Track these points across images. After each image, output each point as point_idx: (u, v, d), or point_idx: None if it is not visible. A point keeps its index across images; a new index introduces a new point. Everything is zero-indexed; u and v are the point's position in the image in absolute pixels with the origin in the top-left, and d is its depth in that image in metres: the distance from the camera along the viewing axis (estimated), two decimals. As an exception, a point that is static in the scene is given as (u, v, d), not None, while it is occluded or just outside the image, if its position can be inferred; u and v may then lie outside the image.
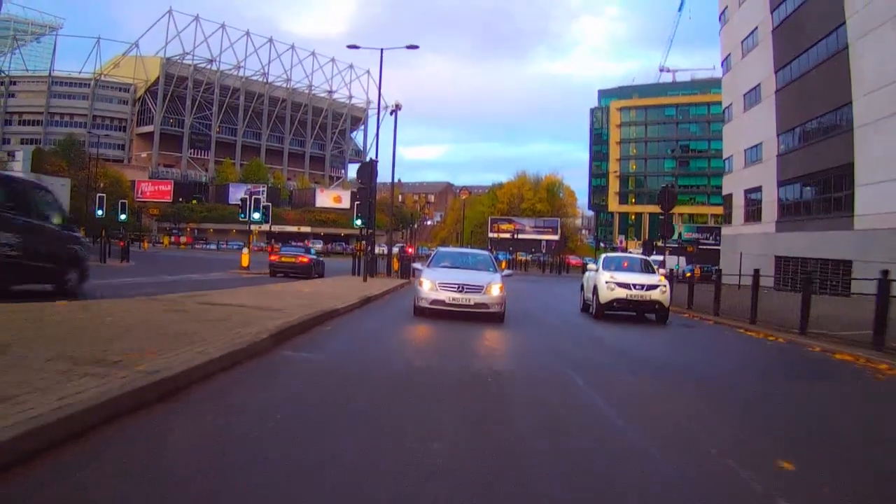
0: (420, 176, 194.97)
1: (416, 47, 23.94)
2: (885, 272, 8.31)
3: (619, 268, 14.08)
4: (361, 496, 2.56)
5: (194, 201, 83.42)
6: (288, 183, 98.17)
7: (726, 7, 37.90)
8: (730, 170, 36.84)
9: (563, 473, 3.03)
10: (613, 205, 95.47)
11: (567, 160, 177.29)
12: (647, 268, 14.51)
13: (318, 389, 4.65)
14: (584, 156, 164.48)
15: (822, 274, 24.46)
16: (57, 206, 9.83)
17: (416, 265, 13.71)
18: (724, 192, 38.15)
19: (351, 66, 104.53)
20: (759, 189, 31.70)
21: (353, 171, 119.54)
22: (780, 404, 5.34)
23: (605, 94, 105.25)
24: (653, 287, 12.71)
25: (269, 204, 27.59)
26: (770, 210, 30.13)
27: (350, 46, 24.16)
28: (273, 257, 22.28)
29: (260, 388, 4.39)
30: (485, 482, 2.79)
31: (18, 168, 37.33)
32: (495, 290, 11.16)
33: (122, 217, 28.01)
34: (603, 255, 15.93)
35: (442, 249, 15.64)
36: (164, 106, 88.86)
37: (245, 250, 24.40)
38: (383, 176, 44.59)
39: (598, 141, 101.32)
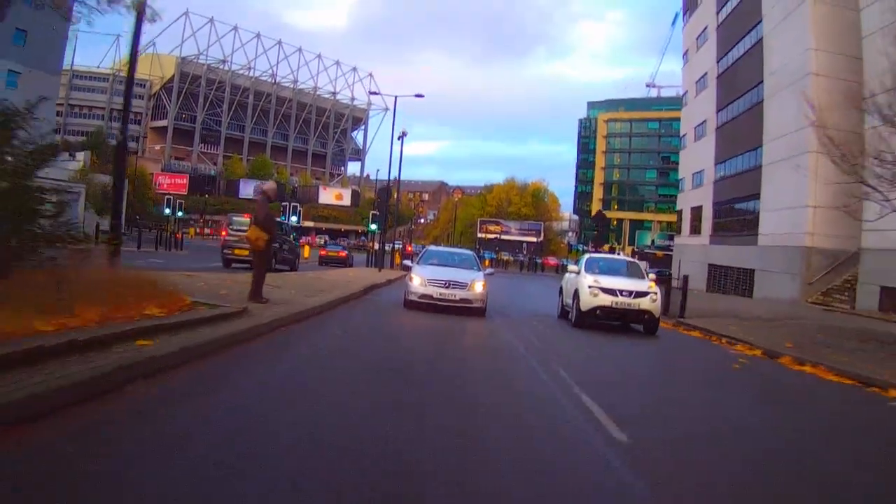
0: (416, 171, 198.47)
1: (421, 96, 29.51)
2: (669, 273, 14.63)
3: (603, 271, 12.68)
4: (412, 346, 8.77)
5: (206, 195, 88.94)
6: (291, 178, 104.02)
7: (688, 49, 44.32)
8: (682, 189, 43.38)
9: (492, 379, 9.25)
10: (596, 210, 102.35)
11: (562, 161, 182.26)
12: (634, 272, 13.11)
13: (384, 308, 10.98)
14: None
15: (739, 279, 31.01)
16: (289, 227, 18.33)
17: (407, 262, 15.05)
18: (678, 207, 44.69)
19: (354, 69, 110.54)
20: (700, 208, 38.22)
21: (352, 167, 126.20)
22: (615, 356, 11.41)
23: (593, 106, 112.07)
24: (642, 294, 11.46)
25: (300, 208, 34.06)
26: (707, 226, 36.64)
27: (372, 93, 30.38)
28: (322, 252, 31.18)
29: (360, 309, 10.66)
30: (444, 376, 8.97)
31: (76, 167, 42.84)
32: (478, 287, 12.24)
33: (180, 214, 34.11)
34: (586, 256, 14.45)
35: (430, 248, 17.01)
36: (178, 102, 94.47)
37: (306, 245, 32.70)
38: (381, 174, 50.39)
39: (585, 150, 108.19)
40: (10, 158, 5.16)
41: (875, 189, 10.43)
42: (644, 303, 11.41)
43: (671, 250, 72.86)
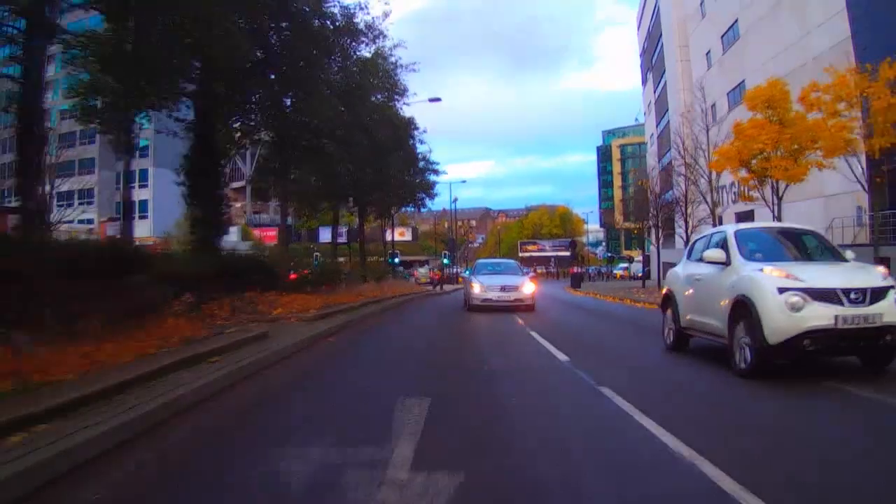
0: (462, 193, 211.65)
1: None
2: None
3: (785, 254, 6.84)
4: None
5: (293, 243, 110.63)
6: (355, 221, 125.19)
7: (642, 110, 62.81)
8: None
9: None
10: (619, 222, 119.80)
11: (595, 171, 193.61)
12: (834, 254, 6.87)
13: (449, 302, 30.47)
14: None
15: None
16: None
17: (464, 274, 18.03)
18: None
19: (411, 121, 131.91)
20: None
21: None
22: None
23: (607, 133, 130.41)
24: (878, 295, 5.61)
25: (399, 253, 54.00)
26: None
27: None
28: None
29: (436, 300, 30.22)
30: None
31: (234, 239, 62.57)
32: (528, 289, 14.30)
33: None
34: (730, 228, 7.40)
35: (480, 261, 20.51)
36: (253, 165, 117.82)
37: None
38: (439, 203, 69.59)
39: (604, 171, 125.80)
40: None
41: None
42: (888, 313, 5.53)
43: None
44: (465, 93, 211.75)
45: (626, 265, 66.73)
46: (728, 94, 34.01)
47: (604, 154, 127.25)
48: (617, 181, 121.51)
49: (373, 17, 19.29)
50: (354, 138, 18.80)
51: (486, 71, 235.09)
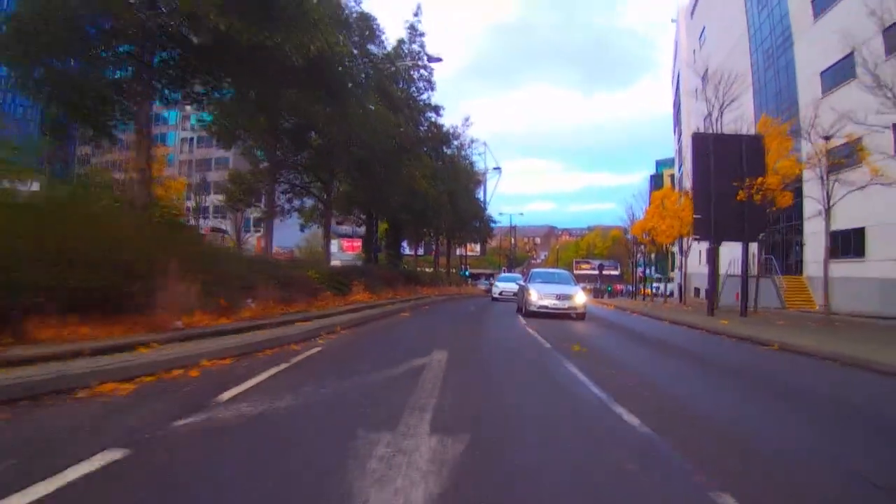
0: (531, 206, 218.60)
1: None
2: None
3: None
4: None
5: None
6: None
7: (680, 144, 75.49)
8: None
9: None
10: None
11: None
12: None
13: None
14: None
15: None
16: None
17: (520, 282, 20.07)
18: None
19: (473, 141, 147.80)
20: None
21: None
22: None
23: (660, 164, 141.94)
24: None
25: (468, 266, 69.15)
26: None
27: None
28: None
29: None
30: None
31: (334, 250, 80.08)
32: (580, 298, 15.59)
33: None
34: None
35: (535, 269, 21.45)
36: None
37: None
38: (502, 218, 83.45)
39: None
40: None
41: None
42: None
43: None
44: (543, 104, 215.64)
45: (657, 285, 77.19)
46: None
47: (656, 183, 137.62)
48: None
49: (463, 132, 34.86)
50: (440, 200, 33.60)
51: (562, 83, 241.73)
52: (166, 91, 12.31)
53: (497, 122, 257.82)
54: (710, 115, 24.66)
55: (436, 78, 30.09)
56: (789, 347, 10.52)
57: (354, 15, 17.65)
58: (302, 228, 30.71)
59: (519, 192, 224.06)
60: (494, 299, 29.45)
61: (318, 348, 8.21)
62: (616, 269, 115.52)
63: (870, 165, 16.18)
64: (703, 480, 3.23)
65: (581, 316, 15.47)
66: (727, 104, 23.97)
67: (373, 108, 17.85)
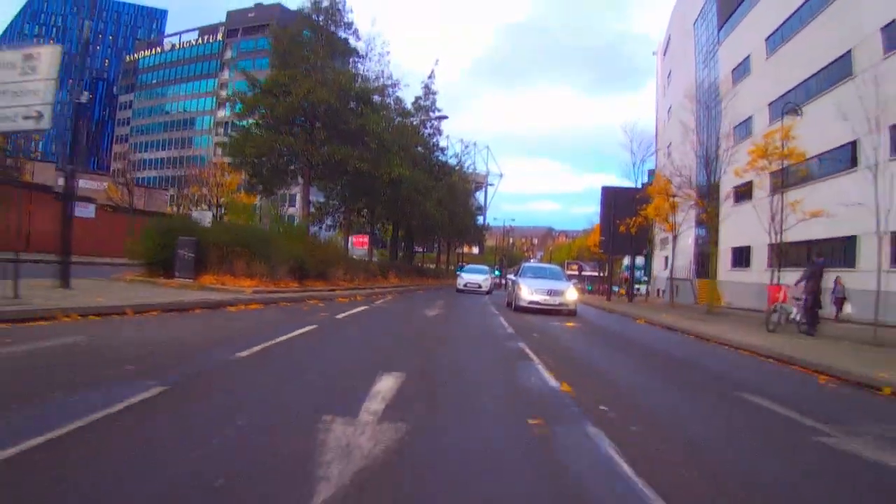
0: (536, 205, 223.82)
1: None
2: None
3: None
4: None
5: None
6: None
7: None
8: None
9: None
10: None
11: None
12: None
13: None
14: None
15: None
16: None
17: (511, 276, 20.33)
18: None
19: (475, 144, 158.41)
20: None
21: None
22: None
23: (651, 172, 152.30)
24: None
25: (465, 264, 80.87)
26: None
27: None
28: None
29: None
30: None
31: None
32: (572, 295, 15.17)
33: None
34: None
35: (526, 264, 21.82)
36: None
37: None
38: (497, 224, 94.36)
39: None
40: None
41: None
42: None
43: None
44: (549, 105, 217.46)
45: (638, 287, 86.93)
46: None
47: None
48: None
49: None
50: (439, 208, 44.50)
51: (572, 84, 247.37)
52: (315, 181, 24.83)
53: (504, 121, 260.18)
54: (633, 164, 36.24)
55: (439, 78, 41.30)
56: (652, 321, 15.85)
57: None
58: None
59: (522, 191, 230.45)
60: (459, 291, 28.44)
61: (390, 296, 20.29)
62: (595, 270, 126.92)
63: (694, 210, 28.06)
64: (555, 379, 5.99)
65: (572, 312, 15.11)
66: (647, 157, 35.51)
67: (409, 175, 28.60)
